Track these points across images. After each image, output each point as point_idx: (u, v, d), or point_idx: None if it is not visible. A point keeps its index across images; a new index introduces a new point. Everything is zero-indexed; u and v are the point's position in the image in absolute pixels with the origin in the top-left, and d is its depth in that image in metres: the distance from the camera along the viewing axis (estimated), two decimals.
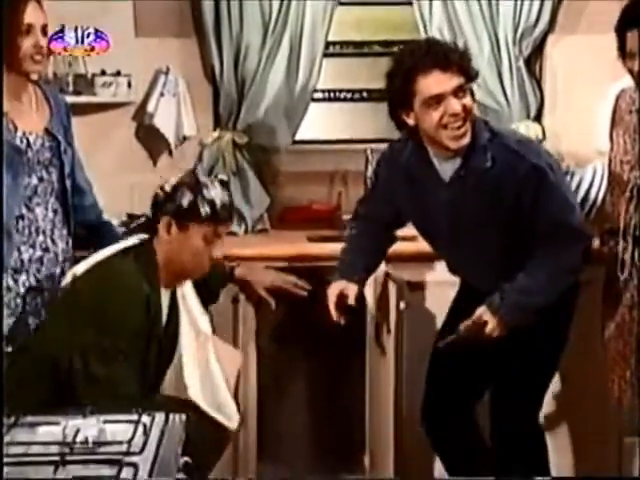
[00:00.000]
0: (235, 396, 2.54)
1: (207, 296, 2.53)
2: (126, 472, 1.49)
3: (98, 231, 2.90)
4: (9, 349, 2.53)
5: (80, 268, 2.36)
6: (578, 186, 3.02)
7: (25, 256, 2.57)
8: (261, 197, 3.41)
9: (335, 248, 2.96)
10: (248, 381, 2.93)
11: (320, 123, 3.64)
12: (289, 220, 3.49)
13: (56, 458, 1.53)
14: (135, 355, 2.22)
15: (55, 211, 2.64)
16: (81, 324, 2.22)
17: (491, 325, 2.34)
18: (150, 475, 1.51)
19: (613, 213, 2.59)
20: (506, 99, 3.33)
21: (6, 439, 1.62)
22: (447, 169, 2.35)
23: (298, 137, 3.46)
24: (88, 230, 2.84)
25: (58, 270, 2.64)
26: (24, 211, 2.57)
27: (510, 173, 2.30)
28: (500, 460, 2.53)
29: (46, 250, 2.62)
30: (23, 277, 2.57)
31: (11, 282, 2.55)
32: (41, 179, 2.59)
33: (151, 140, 3.40)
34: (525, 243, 2.35)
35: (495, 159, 2.31)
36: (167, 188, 2.32)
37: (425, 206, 2.42)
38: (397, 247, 2.72)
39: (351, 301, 2.52)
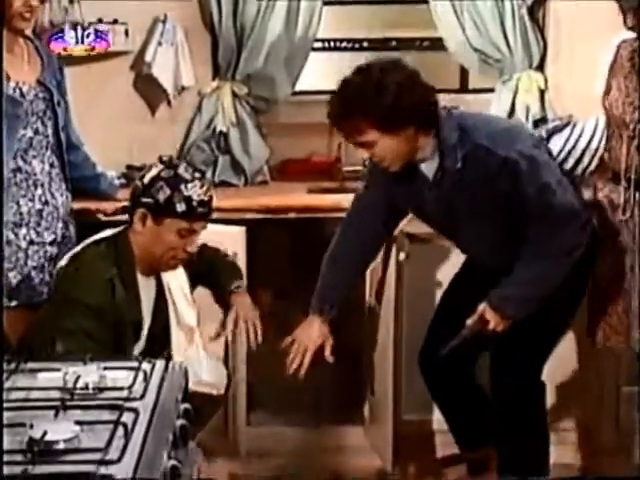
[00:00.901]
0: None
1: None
2: (127, 417, 1.50)
3: (95, 184, 2.93)
4: (12, 304, 2.55)
5: (64, 260, 2.37)
6: (580, 136, 3.00)
7: (24, 209, 2.60)
8: (261, 149, 3.38)
9: (335, 200, 2.96)
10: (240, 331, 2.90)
11: (320, 73, 3.60)
12: (289, 172, 3.46)
13: (57, 403, 1.54)
14: (105, 337, 2.20)
15: (52, 164, 2.66)
16: (58, 309, 2.25)
17: (494, 322, 2.32)
18: (150, 421, 1.52)
19: (612, 159, 2.59)
20: (509, 48, 3.28)
21: (7, 385, 1.63)
22: (428, 169, 2.33)
23: (298, 88, 3.42)
24: (85, 184, 2.86)
25: (60, 224, 2.66)
26: (21, 163, 2.59)
27: (482, 171, 2.25)
28: (499, 413, 2.53)
29: (45, 203, 2.64)
30: (23, 230, 2.60)
31: (11, 236, 2.56)
32: (36, 132, 2.61)
33: (149, 90, 3.36)
34: (523, 223, 2.30)
35: (466, 158, 2.26)
36: (146, 180, 2.28)
37: (418, 200, 2.40)
38: None
39: (327, 355, 2.51)
